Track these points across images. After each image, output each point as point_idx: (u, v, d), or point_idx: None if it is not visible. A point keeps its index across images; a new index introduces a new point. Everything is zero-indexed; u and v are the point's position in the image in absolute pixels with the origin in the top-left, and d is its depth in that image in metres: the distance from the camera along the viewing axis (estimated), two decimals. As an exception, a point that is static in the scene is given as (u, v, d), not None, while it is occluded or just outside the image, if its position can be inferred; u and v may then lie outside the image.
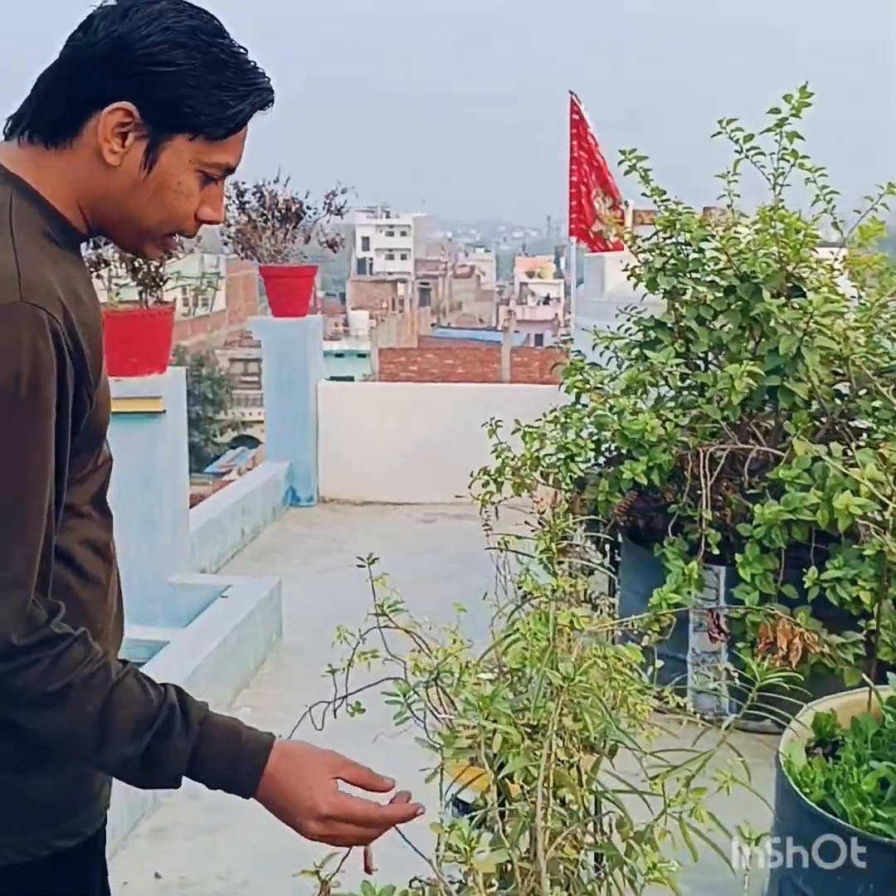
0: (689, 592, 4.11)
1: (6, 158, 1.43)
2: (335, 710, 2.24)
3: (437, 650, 2.29)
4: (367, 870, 1.49)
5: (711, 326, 4.43)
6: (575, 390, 4.29)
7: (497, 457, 4.36)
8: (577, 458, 4.17)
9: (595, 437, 4.27)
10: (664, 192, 4.63)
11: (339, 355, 50.11)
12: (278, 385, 7.57)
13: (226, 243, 7.72)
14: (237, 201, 7.51)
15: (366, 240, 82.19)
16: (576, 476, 4.25)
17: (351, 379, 44.40)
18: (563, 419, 4.26)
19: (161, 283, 4.91)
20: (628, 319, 4.48)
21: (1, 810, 1.43)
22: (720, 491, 4.32)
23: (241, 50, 1.44)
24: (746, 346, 4.37)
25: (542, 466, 4.21)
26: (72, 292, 1.38)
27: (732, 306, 4.37)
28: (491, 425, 4.44)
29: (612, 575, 4.78)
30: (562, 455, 4.17)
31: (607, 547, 4.91)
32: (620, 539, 4.79)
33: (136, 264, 4.80)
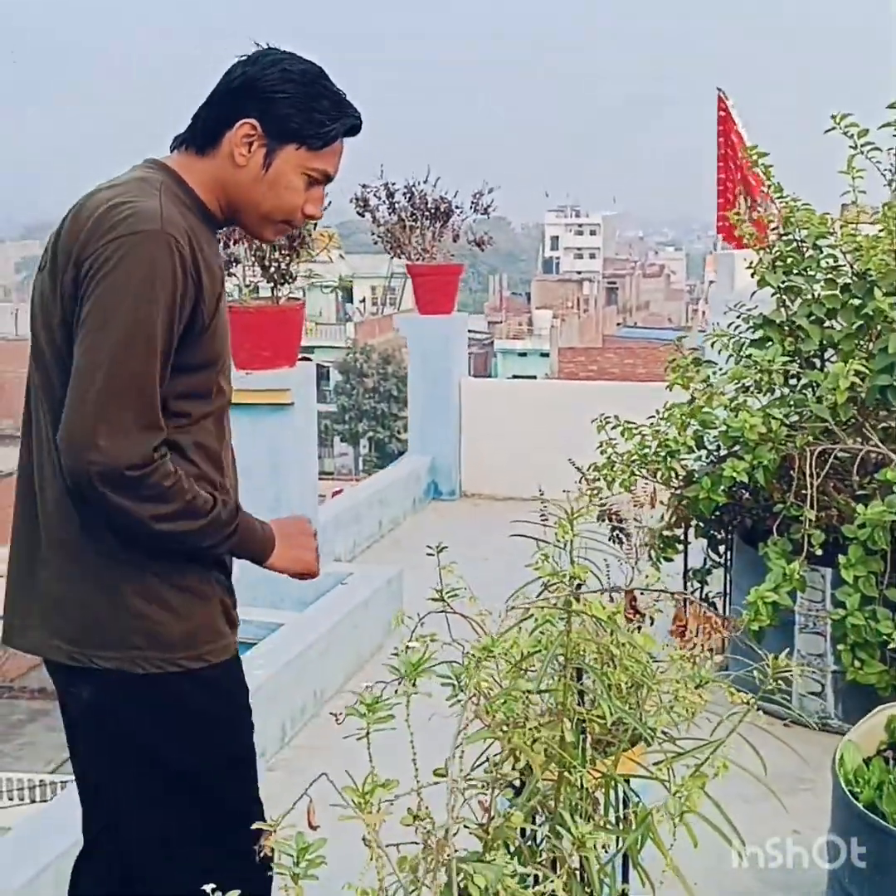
0: (789, 593, 4.07)
1: (167, 160, 2.04)
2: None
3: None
4: (311, 826, 1.64)
5: (825, 325, 4.36)
6: (677, 387, 4.29)
7: (602, 453, 4.40)
8: (677, 456, 4.17)
9: (699, 435, 4.26)
10: (781, 189, 4.58)
11: (523, 354, 50.37)
12: (423, 381, 7.76)
13: (375, 243, 7.95)
14: (387, 201, 7.73)
15: (555, 239, 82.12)
16: (679, 474, 4.26)
17: (533, 378, 44.61)
18: (666, 416, 4.27)
19: (290, 280, 5.14)
20: (738, 316, 4.45)
21: (169, 631, 1.95)
22: (827, 491, 4.25)
23: (337, 88, 2.03)
24: (860, 344, 4.28)
25: (645, 464, 4.23)
26: (197, 241, 1.92)
27: (846, 304, 4.29)
28: (600, 422, 4.49)
29: (712, 567, 4.76)
30: (662, 452, 4.18)
31: (721, 546, 4.89)
32: (732, 538, 4.76)
33: (266, 262, 5.04)
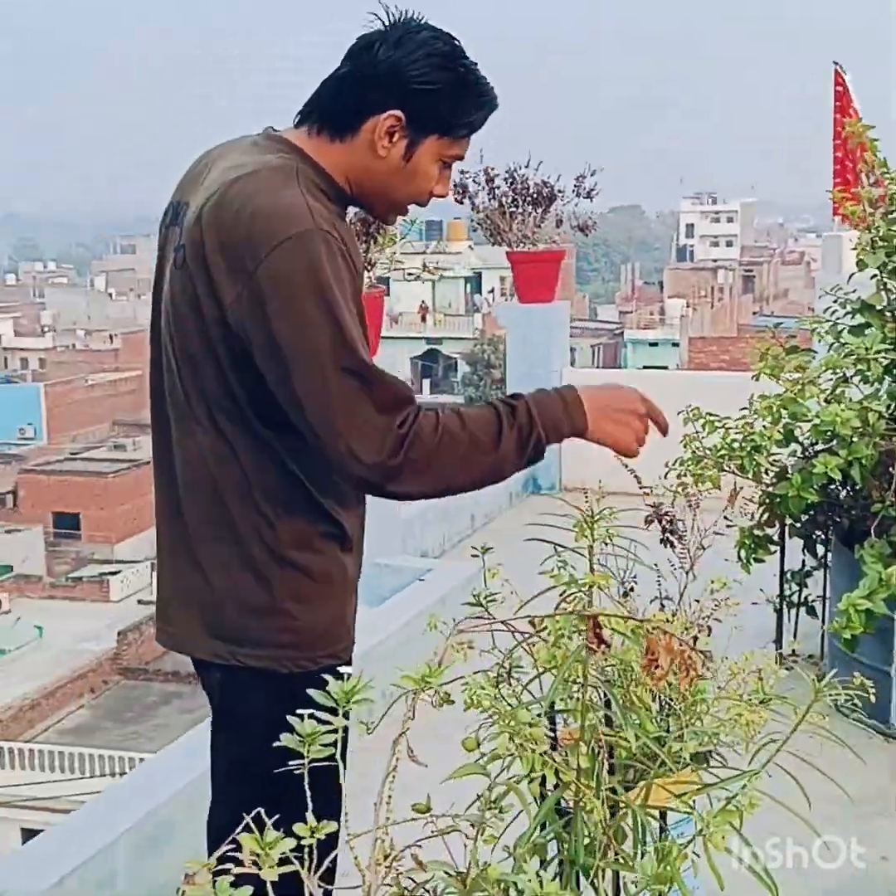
0: (886, 600, 3.75)
1: (296, 139, 1.93)
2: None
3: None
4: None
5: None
6: (763, 376, 4.00)
7: (686, 447, 4.14)
8: (764, 450, 3.88)
9: (789, 428, 3.97)
10: (887, 165, 4.23)
11: (653, 344, 49.55)
12: (522, 371, 7.54)
13: (474, 230, 7.76)
14: (487, 187, 7.53)
15: (690, 227, 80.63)
16: (767, 469, 3.97)
17: (664, 368, 43.83)
18: (755, 408, 3.98)
19: (368, 267, 4.99)
20: (834, 301, 4.13)
21: (287, 633, 1.91)
22: (930, 491, 3.91)
23: (475, 66, 1.92)
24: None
25: (730, 459, 3.96)
26: (342, 230, 1.84)
27: (955, 287, 3.94)
28: (687, 414, 4.22)
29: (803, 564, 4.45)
30: (747, 446, 3.89)
31: (819, 547, 4.58)
32: (830, 538, 4.45)
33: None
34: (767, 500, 4.09)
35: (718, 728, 2.58)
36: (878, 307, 3.97)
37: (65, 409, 48.45)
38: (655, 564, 2.74)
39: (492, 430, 1.86)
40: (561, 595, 2.14)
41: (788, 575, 4.75)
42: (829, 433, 3.78)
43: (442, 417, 1.83)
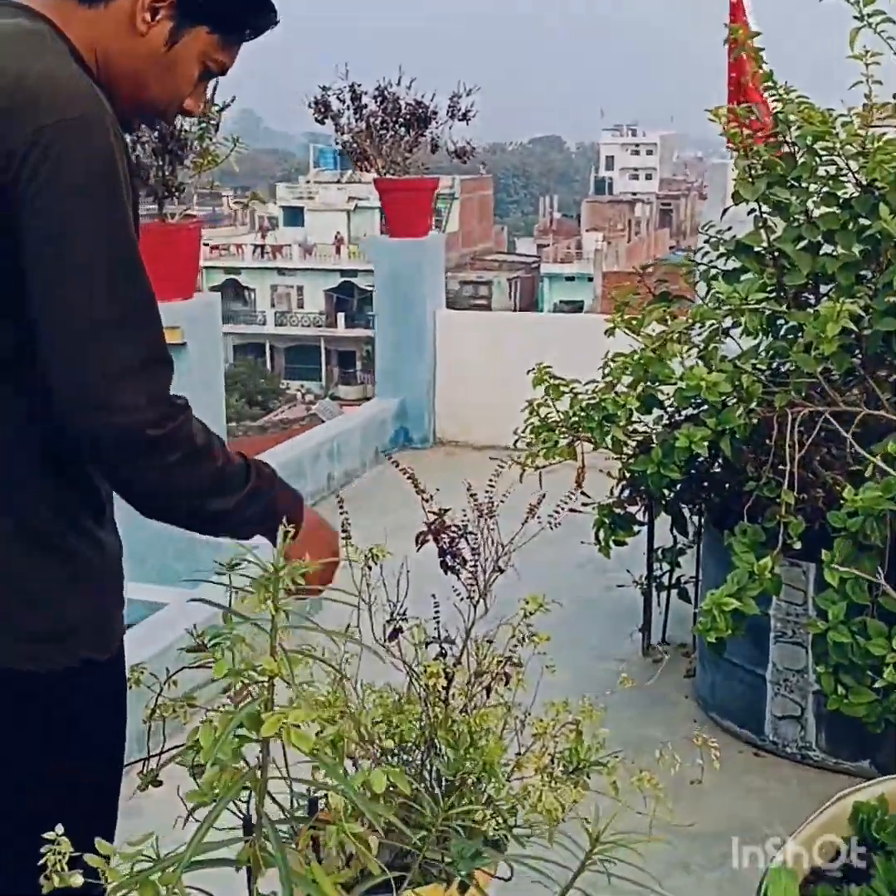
0: (758, 597, 3.17)
1: (36, 3, 1.58)
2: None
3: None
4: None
5: (820, 253, 3.40)
6: (618, 330, 3.36)
7: (532, 413, 3.51)
8: (616, 420, 3.25)
9: (649, 392, 3.34)
10: (772, 78, 3.59)
11: (570, 278, 48.98)
12: (391, 312, 6.84)
13: (341, 154, 7.02)
14: (352, 105, 6.78)
15: (610, 159, 79.93)
16: (624, 441, 3.36)
17: (581, 304, 43.34)
18: (608, 369, 3.35)
19: (177, 192, 4.25)
20: (706, 241, 3.49)
21: (44, 623, 1.54)
22: (813, 467, 3.33)
23: None
24: (862, 278, 3.33)
25: (578, 430, 3.34)
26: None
27: (846, 226, 3.33)
28: (538, 373, 3.59)
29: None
30: (596, 415, 3.27)
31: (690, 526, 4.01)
32: (702, 520, 3.87)
33: (144, 173, 4.15)
34: (626, 477, 3.49)
35: (508, 809, 1.99)
36: (756, 248, 3.35)
37: None
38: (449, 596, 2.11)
39: (242, 472, 1.58)
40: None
41: (659, 553, 4.19)
42: (694, 400, 3.17)
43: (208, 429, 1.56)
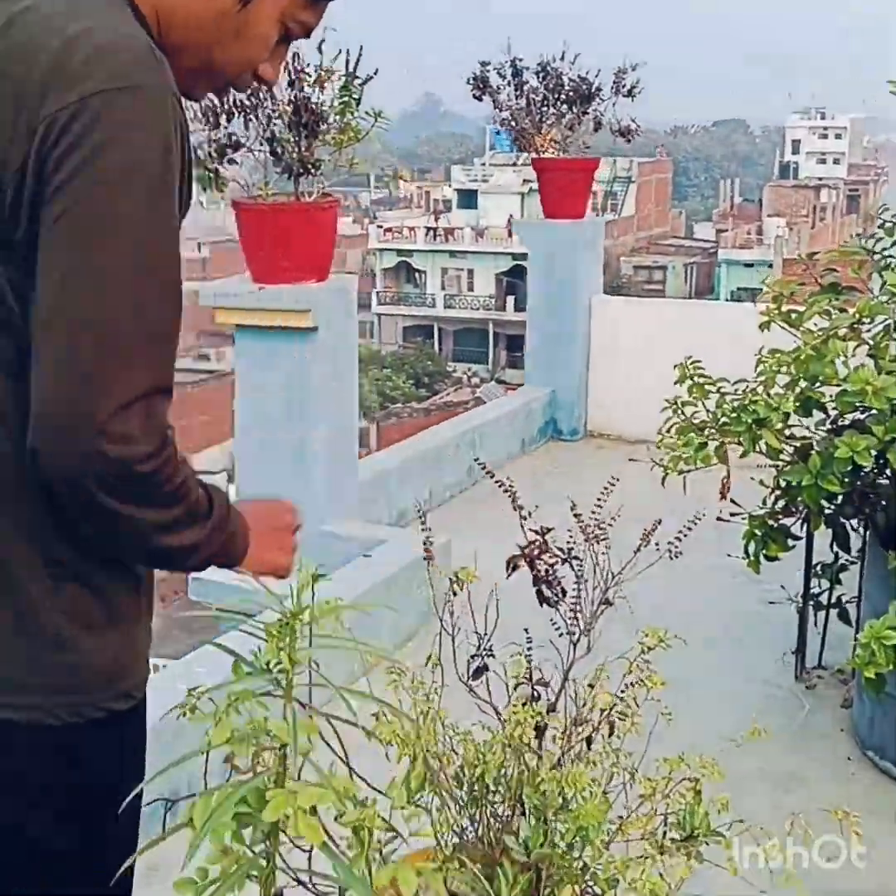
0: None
1: None
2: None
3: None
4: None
5: None
6: (772, 324, 2.99)
7: (675, 411, 3.18)
8: (770, 424, 2.90)
9: (807, 395, 2.98)
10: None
11: (749, 265, 47.43)
12: (544, 298, 6.54)
13: (498, 132, 6.75)
14: (513, 81, 6.50)
15: (796, 143, 77.26)
16: (778, 449, 3.00)
17: (759, 291, 41.92)
18: (761, 368, 3.00)
19: (314, 170, 4.06)
20: (880, 226, 3.09)
21: (53, 670, 1.34)
22: None
23: None
24: None
25: (725, 434, 3.00)
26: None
27: None
28: (682, 368, 3.26)
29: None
30: (746, 418, 2.92)
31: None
32: (866, 536, 3.47)
33: (279, 148, 3.98)
34: (780, 487, 3.13)
35: (606, 880, 1.71)
36: (941, 233, 2.94)
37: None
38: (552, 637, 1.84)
39: (205, 508, 1.38)
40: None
41: (818, 569, 3.80)
42: (860, 404, 2.80)
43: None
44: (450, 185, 58.18)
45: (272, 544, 1.52)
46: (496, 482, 1.80)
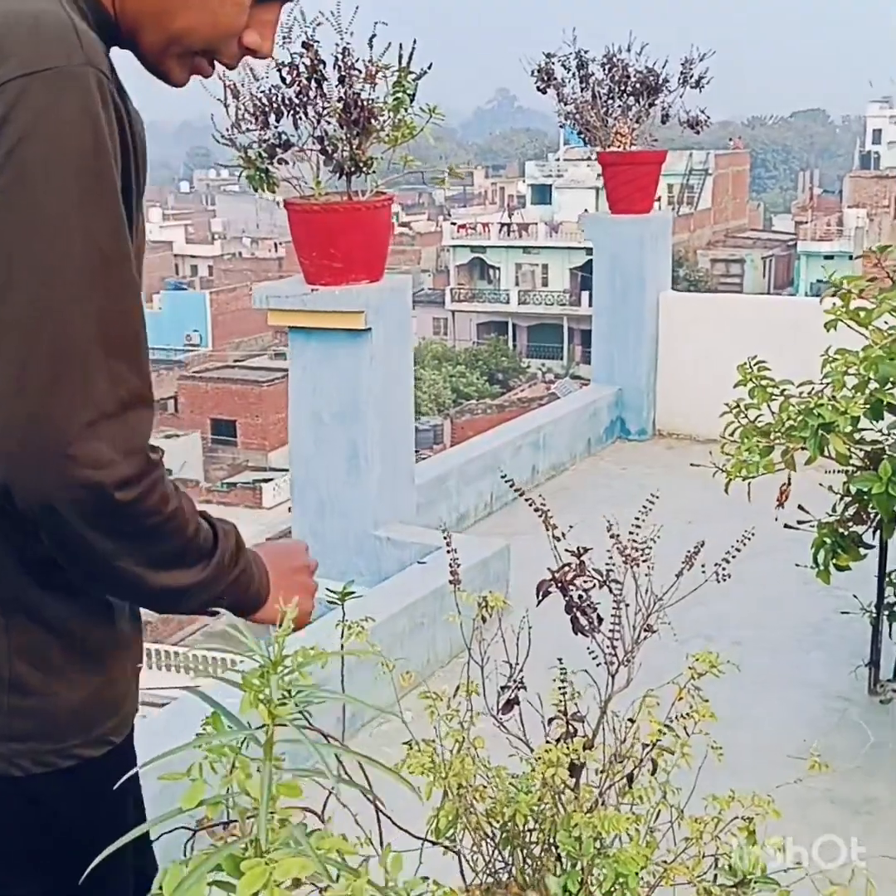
0: None
1: None
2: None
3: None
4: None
5: None
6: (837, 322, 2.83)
7: (737, 415, 3.03)
8: (836, 429, 2.74)
9: (878, 397, 2.81)
10: None
11: (829, 257, 46.49)
12: (610, 295, 6.38)
13: (562, 126, 6.60)
14: (578, 74, 6.35)
15: (877, 132, 75.61)
16: (848, 453, 2.84)
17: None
18: (828, 368, 2.84)
19: (366, 168, 3.96)
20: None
21: (12, 716, 1.22)
22: None
23: None
24: None
25: (789, 438, 2.84)
26: (116, 75, 1.19)
27: None
28: (742, 370, 3.11)
29: None
30: (812, 422, 2.76)
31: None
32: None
33: (329, 146, 3.89)
34: (850, 494, 2.97)
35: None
36: None
37: (229, 317, 49.09)
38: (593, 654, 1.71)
39: (209, 545, 1.27)
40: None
41: (892, 577, 3.62)
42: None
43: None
44: (524, 181, 57.96)
45: (294, 589, 1.38)
46: (527, 500, 1.69)
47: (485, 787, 1.62)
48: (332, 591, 2.01)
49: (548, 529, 1.64)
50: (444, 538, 1.74)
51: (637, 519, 1.63)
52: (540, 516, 1.68)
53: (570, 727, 1.59)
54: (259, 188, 3.97)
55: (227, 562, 1.28)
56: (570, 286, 48.27)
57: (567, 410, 6.14)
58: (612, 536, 1.60)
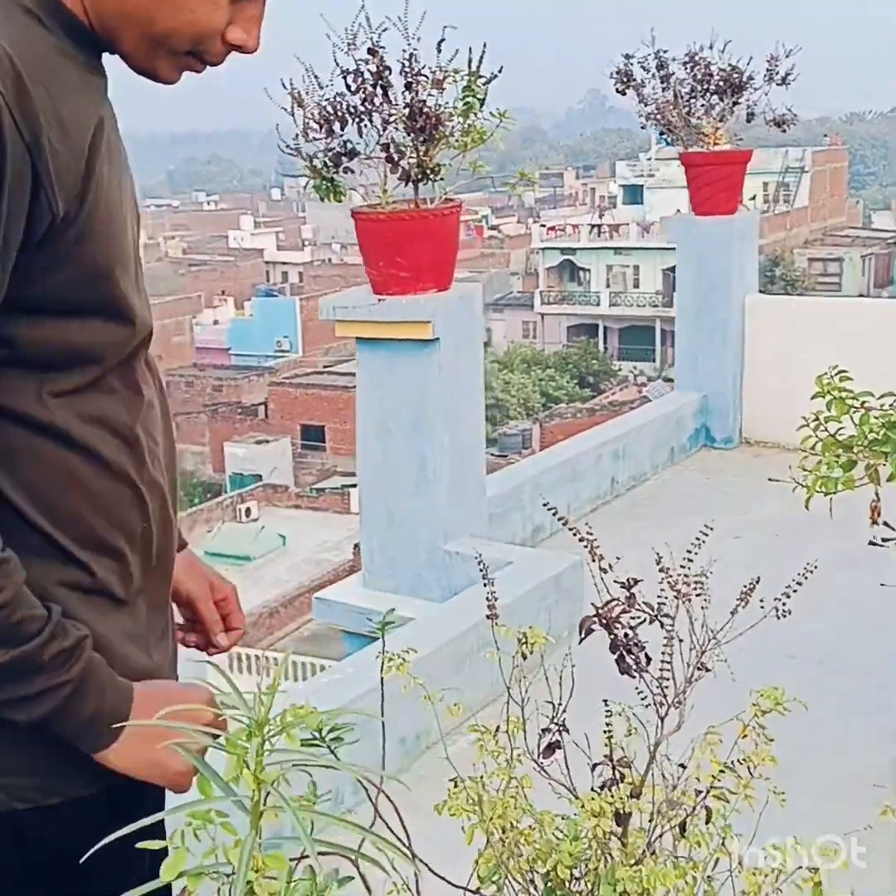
0: None
1: None
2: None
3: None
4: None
5: None
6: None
7: (816, 430, 2.89)
8: (922, 443, 2.58)
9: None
10: None
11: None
12: (694, 298, 6.20)
13: (643, 127, 6.45)
14: (658, 74, 6.20)
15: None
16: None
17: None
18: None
19: (433, 175, 3.88)
20: None
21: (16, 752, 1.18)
22: None
23: None
24: None
25: (871, 454, 2.69)
26: (38, 73, 1.12)
27: None
28: (821, 382, 2.96)
29: None
30: (894, 436, 2.60)
31: None
32: None
33: (395, 154, 3.82)
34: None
35: None
36: None
37: (319, 323, 49.55)
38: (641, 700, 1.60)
39: (32, 630, 1.15)
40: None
41: None
42: None
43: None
44: (615, 181, 57.52)
45: (161, 738, 1.12)
46: (570, 529, 1.58)
47: (531, 829, 1.52)
48: (372, 622, 1.93)
49: (594, 560, 1.53)
50: (481, 569, 1.65)
51: (688, 553, 1.51)
52: (586, 547, 1.57)
53: (617, 772, 1.49)
54: (325, 198, 3.92)
55: (47, 659, 1.14)
56: (662, 287, 47.69)
57: (649, 418, 5.98)
58: (661, 570, 1.48)
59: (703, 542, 1.58)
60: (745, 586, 1.49)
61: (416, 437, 4.02)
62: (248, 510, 32.16)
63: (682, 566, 1.47)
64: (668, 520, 5.29)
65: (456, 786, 1.72)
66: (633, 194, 52.23)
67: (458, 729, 2.15)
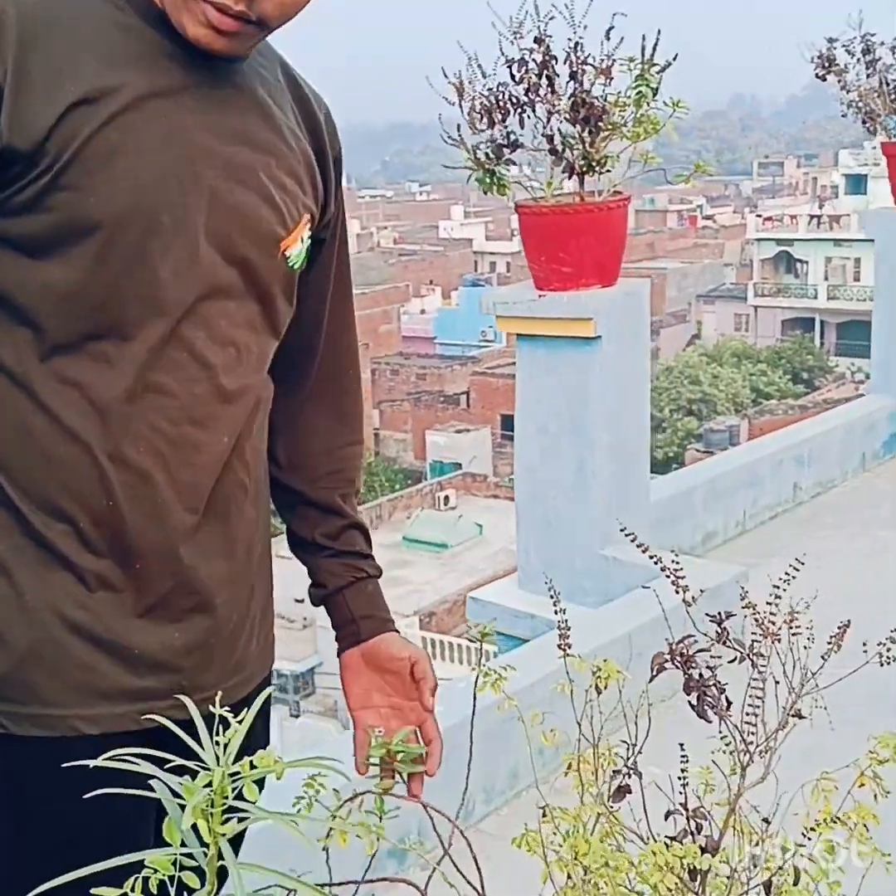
0: None
1: None
2: None
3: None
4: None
5: None
6: None
7: None
8: None
9: None
10: None
11: None
12: (891, 296, 5.83)
13: (843, 115, 6.09)
14: (863, 59, 5.84)
15: None
16: None
17: None
18: None
19: (599, 167, 3.75)
20: None
21: None
22: None
23: None
24: None
25: None
26: (57, 28, 1.14)
27: None
28: None
29: None
30: None
31: None
32: None
33: (559, 145, 3.71)
34: None
35: None
36: None
37: (526, 313, 49.68)
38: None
39: None
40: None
41: None
42: None
43: None
44: (838, 170, 55.30)
45: None
46: (639, 546, 1.46)
47: (616, 871, 1.41)
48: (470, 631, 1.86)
49: (665, 572, 1.41)
50: (569, 614, 1.55)
51: (783, 578, 1.37)
52: (643, 551, 1.45)
53: (693, 823, 1.36)
54: (488, 190, 3.84)
55: None
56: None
57: (838, 422, 5.66)
58: (748, 606, 1.35)
59: (790, 579, 1.44)
60: (838, 626, 1.34)
61: (574, 438, 3.90)
62: (446, 498, 32.56)
63: (759, 614, 1.33)
64: (852, 531, 5.00)
65: (544, 815, 1.63)
66: (857, 184, 50.02)
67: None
